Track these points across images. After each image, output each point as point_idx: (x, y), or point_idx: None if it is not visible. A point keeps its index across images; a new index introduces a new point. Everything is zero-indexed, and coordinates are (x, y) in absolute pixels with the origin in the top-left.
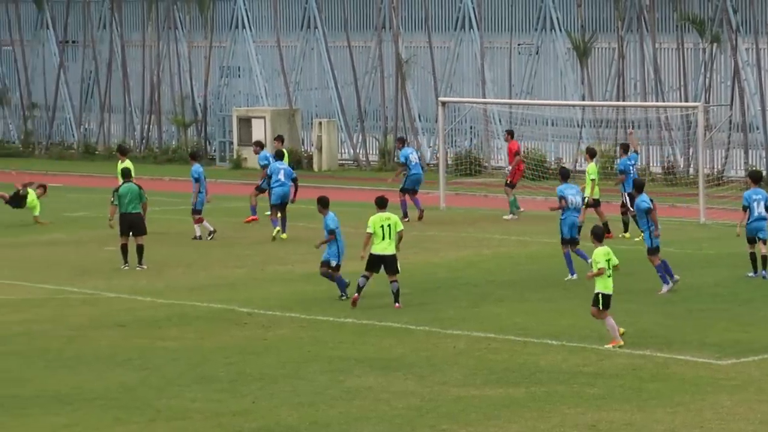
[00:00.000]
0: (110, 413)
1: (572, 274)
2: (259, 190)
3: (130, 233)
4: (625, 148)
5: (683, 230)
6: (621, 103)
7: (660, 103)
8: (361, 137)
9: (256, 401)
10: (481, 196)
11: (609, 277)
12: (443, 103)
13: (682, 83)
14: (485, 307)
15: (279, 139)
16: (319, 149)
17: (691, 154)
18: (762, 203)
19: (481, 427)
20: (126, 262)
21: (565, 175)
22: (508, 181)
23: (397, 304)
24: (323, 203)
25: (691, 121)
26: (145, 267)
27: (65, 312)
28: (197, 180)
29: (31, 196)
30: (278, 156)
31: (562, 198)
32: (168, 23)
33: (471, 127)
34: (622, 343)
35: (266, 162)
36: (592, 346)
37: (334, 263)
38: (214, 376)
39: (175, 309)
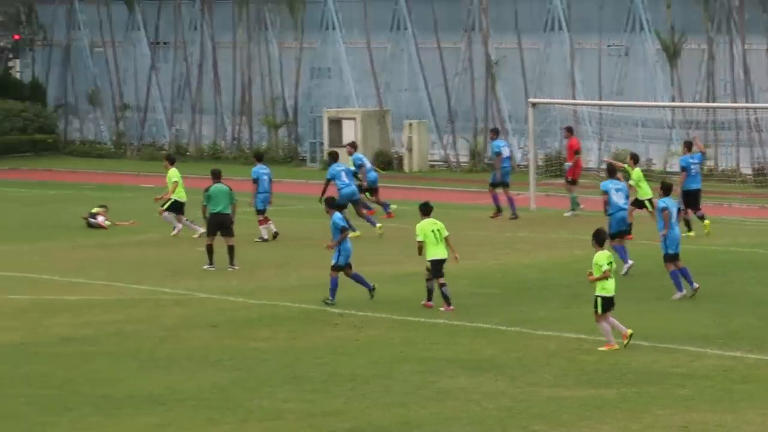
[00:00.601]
0: (203, 413)
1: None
2: (361, 189)
3: (218, 233)
4: (689, 146)
5: None
6: (711, 104)
7: (750, 104)
8: (451, 138)
9: (347, 402)
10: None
11: (608, 279)
12: (533, 104)
13: None
14: (576, 307)
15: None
16: (410, 150)
17: None
18: None
19: (573, 428)
20: (211, 262)
21: (611, 171)
22: (569, 179)
23: (447, 305)
24: (329, 203)
25: None
26: (237, 267)
27: (158, 312)
28: (255, 181)
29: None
30: (333, 158)
31: (605, 192)
32: (258, 24)
33: (561, 129)
34: (616, 347)
35: (361, 162)
36: (682, 347)
37: (341, 263)
38: (305, 376)
39: (267, 309)
